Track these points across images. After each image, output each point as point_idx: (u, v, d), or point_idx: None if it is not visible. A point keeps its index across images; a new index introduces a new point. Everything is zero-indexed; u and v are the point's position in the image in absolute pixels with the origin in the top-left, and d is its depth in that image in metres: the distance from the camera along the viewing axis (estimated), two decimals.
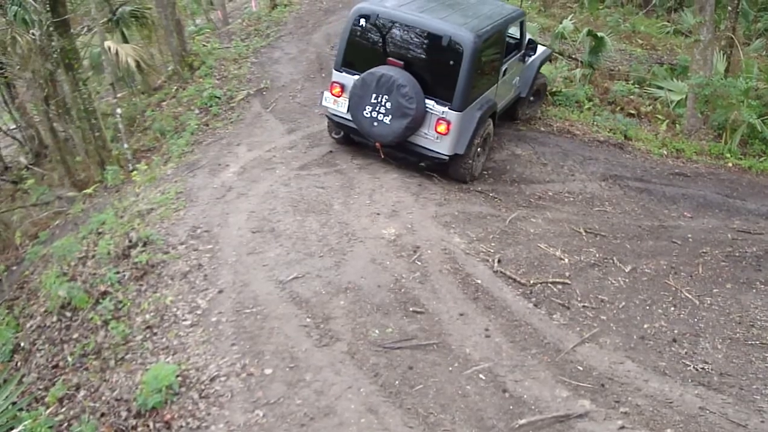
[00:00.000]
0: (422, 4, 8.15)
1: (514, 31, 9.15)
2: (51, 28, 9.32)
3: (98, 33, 11.86)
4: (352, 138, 8.49)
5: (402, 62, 7.65)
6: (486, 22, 7.96)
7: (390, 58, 7.76)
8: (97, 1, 12.08)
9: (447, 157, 7.82)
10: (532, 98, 10.21)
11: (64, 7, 9.54)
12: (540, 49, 10.23)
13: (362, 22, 7.84)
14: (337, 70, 8.16)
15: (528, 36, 9.60)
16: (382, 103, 7.61)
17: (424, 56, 7.78)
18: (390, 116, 7.61)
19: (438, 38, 7.50)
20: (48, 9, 9.18)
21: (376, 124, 7.72)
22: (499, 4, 9.82)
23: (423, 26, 7.64)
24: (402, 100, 7.47)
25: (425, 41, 7.71)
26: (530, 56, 9.61)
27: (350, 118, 7.96)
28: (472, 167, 8.22)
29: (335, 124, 8.45)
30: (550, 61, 11.77)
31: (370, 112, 7.71)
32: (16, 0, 11.05)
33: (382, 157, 8.25)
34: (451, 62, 7.48)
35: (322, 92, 8.35)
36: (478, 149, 8.22)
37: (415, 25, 7.68)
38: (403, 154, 8.14)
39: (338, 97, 8.10)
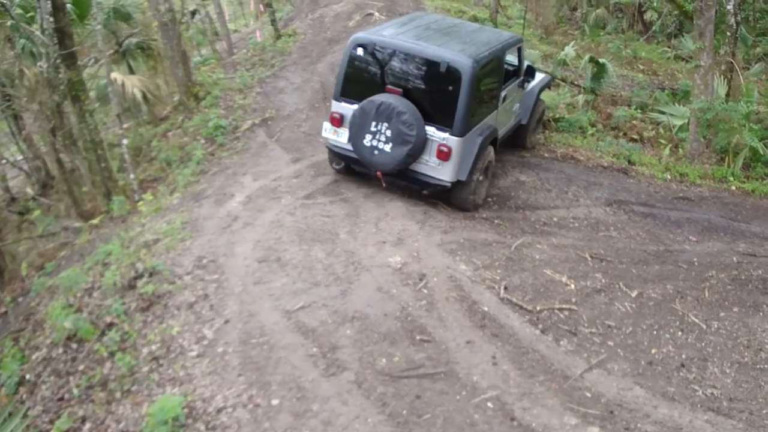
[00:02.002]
0: (419, 33, 8.20)
1: (512, 58, 9.19)
2: (58, 61, 9.45)
3: (105, 65, 12.00)
4: (353, 168, 8.44)
5: (401, 90, 7.65)
6: (484, 48, 7.99)
7: (388, 86, 7.73)
8: (104, 33, 12.24)
9: (449, 184, 7.76)
10: (534, 125, 10.21)
11: (71, 39, 9.68)
12: (539, 76, 10.24)
13: (360, 51, 7.87)
14: (336, 100, 8.15)
15: (526, 62, 9.56)
16: (382, 131, 7.57)
17: (422, 83, 7.75)
18: (390, 144, 7.57)
19: (436, 65, 7.51)
20: (55, 42, 9.32)
21: (376, 152, 7.67)
22: (496, 31, 9.86)
23: (420, 54, 7.64)
24: (402, 127, 7.44)
25: (423, 68, 7.68)
26: (529, 82, 9.57)
27: (351, 148, 7.90)
28: (475, 195, 8.18)
29: (336, 154, 8.39)
30: (550, 87, 11.67)
31: (371, 141, 7.67)
32: (24, 33, 11.21)
33: (384, 185, 8.24)
34: (450, 88, 7.48)
35: (323, 123, 8.33)
36: (481, 177, 8.18)
37: (413, 53, 7.68)
38: (405, 183, 8.06)
39: (338, 127, 8.07)
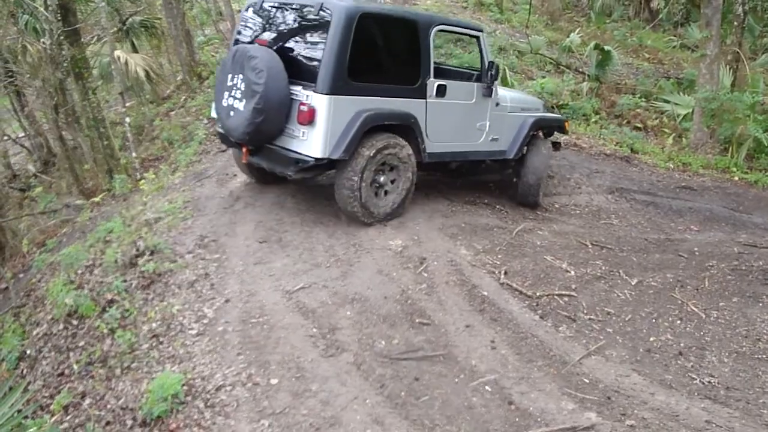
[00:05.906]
0: None
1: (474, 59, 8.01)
2: (61, 37, 9.42)
3: (108, 42, 11.96)
4: (251, 164, 7.07)
5: (267, 41, 6.46)
6: (387, 7, 6.74)
7: (258, 39, 6.58)
8: (107, 10, 12.19)
9: (313, 159, 6.10)
10: (531, 175, 8.03)
11: (74, 16, 9.66)
12: (539, 108, 8.49)
13: (249, 12, 6.93)
14: None
15: (489, 59, 7.41)
16: (237, 85, 6.17)
17: (294, 34, 6.46)
18: (244, 100, 6.07)
19: (309, 10, 6.28)
20: (59, 18, 9.28)
21: (232, 113, 6.24)
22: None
23: (297, 0, 6.46)
24: (251, 74, 5.93)
25: (297, 17, 6.47)
26: (494, 81, 7.36)
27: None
28: (362, 194, 6.52)
29: (220, 136, 7.25)
30: (566, 131, 8.92)
31: (227, 99, 6.29)
32: (27, 9, 11.15)
33: (245, 161, 6.89)
34: (319, 35, 6.14)
35: (212, 104, 7.16)
36: (380, 177, 6.69)
37: (291, 1, 6.50)
38: (280, 168, 6.48)
39: None
